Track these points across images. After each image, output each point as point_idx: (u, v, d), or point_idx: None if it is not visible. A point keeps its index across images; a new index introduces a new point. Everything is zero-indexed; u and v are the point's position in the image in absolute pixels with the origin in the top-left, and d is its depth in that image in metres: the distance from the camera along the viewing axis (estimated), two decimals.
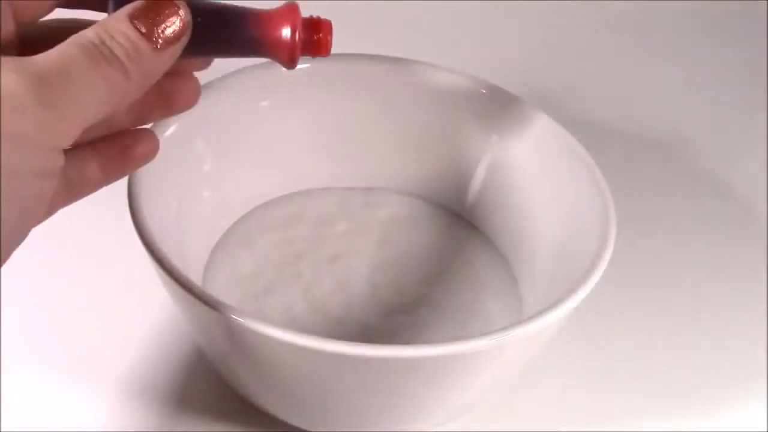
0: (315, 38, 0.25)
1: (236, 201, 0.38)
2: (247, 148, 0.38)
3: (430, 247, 0.38)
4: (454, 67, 0.38)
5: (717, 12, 0.65)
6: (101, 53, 0.20)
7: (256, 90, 0.37)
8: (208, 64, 0.26)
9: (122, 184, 0.30)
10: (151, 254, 0.27)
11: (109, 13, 0.22)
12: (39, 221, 0.20)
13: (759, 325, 0.41)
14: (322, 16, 0.26)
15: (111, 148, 0.25)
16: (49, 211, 0.23)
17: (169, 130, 0.33)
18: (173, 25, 0.22)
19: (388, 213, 0.40)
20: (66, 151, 0.20)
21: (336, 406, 0.30)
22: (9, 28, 0.21)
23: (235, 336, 0.27)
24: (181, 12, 0.22)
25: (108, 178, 0.25)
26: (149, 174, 0.31)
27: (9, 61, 0.18)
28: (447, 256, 0.38)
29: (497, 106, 0.37)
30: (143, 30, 0.21)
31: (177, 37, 0.22)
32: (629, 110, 0.55)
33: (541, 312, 0.27)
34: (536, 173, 0.37)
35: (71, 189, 0.24)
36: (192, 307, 0.27)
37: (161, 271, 0.27)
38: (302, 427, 0.32)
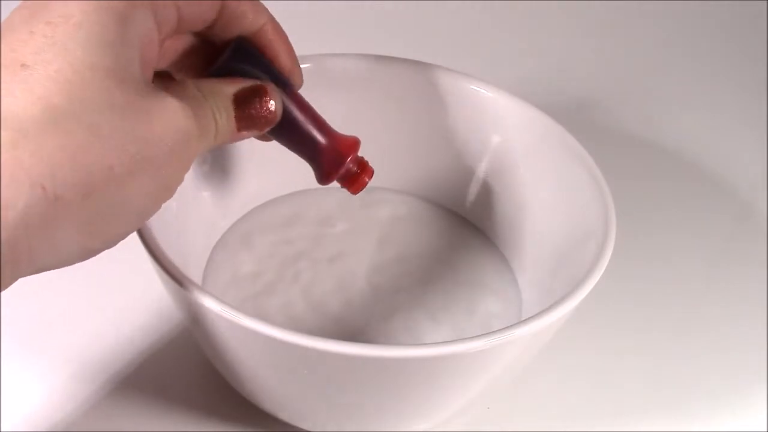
0: (356, 177, 0.30)
1: (236, 201, 0.38)
2: (247, 148, 0.38)
3: (430, 247, 0.38)
4: (454, 67, 0.38)
5: (717, 12, 0.65)
6: (212, 113, 0.24)
7: None
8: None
9: None
10: (151, 254, 0.27)
11: (225, 58, 0.26)
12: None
13: (759, 324, 0.41)
14: (368, 162, 0.30)
15: None
16: None
17: None
18: (262, 120, 0.26)
19: (388, 213, 0.40)
20: None
21: (335, 405, 0.30)
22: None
23: (235, 336, 0.27)
24: (275, 114, 0.26)
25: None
26: None
27: (180, 107, 0.23)
28: (447, 256, 0.38)
29: (498, 106, 0.37)
30: (236, 110, 0.25)
31: (257, 128, 0.26)
32: (629, 110, 0.55)
33: (541, 312, 0.27)
34: (537, 173, 0.37)
35: None
36: (192, 306, 0.27)
37: (161, 271, 0.27)
38: (302, 427, 0.32)
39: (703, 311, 0.42)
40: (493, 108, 0.37)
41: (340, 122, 0.39)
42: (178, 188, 0.35)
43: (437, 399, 0.30)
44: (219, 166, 0.37)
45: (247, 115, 0.25)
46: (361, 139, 0.35)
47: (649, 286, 0.42)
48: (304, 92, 0.38)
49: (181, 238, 0.33)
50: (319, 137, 0.29)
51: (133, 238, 0.28)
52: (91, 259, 0.35)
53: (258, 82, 0.26)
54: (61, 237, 0.20)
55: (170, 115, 0.22)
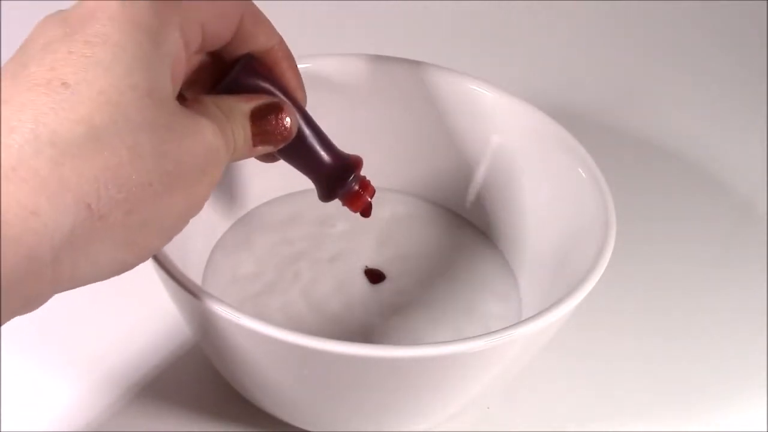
0: (358, 195, 0.30)
1: (236, 201, 0.38)
2: None
3: (430, 247, 0.38)
4: (454, 67, 0.38)
5: (717, 12, 0.65)
6: (231, 129, 0.25)
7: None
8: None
9: None
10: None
11: (234, 75, 0.26)
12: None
13: (759, 325, 0.41)
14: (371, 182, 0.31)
15: None
16: None
17: None
18: (278, 137, 0.26)
19: (388, 213, 0.40)
20: None
21: (336, 406, 0.30)
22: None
23: (235, 336, 0.27)
24: (290, 130, 0.27)
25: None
26: None
27: (210, 125, 0.23)
28: (447, 256, 0.38)
29: (497, 106, 0.37)
30: (254, 129, 0.26)
31: (272, 144, 0.26)
32: (629, 110, 0.55)
33: (541, 312, 0.27)
34: (536, 173, 0.37)
35: None
36: (192, 307, 0.27)
37: (161, 271, 0.27)
38: (302, 427, 0.32)
39: (703, 311, 0.42)
40: (493, 108, 0.37)
41: (340, 122, 0.39)
42: None
43: (437, 399, 0.30)
44: None
45: (263, 131, 0.26)
46: (360, 139, 0.35)
47: (649, 286, 0.42)
48: None
49: (181, 239, 0.33)
50: (324, 155, 0.29)
51: None
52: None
53: (274, 99, 0.27)
54: (101, 253, 0.21)
55: (203, 134, 0.23)
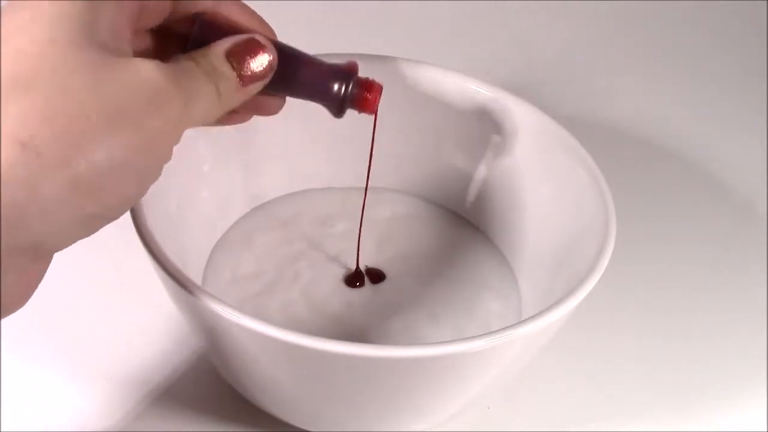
0: (366, 97, 0.29)
1: (236, 201, 0.38)
2: (247, 148, 0.38)
3: (430, 247, 0.38)
4: (454, 67, 0.38)
5: (717, 12, 0.65)
6: (206, 74, 0.25)
7: None
8: (281, 106, 0.30)
9: None
10: (151, 254, 0.27)
11: (193, 33, 0.26)
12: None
13: (759, 325, 0.41)
14: (375, 79, 0.30)
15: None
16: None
17: None
18: (260, 67, 0.26)
19: (388, 213, 0.40)
20: None
21: (336, 406, 0.30)
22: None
23: (235, 336, 0.27)
24: (270, 58, 0.26)
25: (229, 122, 0.29)
26: None
27: (148, 61, 0.23)
28: (447, 256, 0.38)
29: (497, 106, 0.37)
30: (235, 66, 0.25)
31: (260, 78, 0.26)
32: (629, 110, 0.55)
33: (541, 312, 0.27)
34: (536, 173, 0.37)
35: None
36: (192, 306, 0.27)
37: (161, 271, 0.27)
38: (302, 427, 0.32)
39: (703, 311, 0.42)
40: (493, 108, 0.37)
41: (340, 122, 0.39)
42: (178, 188, 0.35)
43: (437, 399, 0.30)
44: (219, 167, 0.37)
45: (247, 68, 0.26)
46: (360, 139, 0.35)
47: (649, 286, 0.42)
48: None
49: (181, 238, 0.33)
50: (316, 73, 0.29)
51: (133, 236, 0.28)
52: (92, 261, 0.34)
53: (246, 35, 0.26)
54: (50, 195, 0.20)
55: (138, 68, 0.22)
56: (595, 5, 0.64)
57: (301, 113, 0.38)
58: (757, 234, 0.47)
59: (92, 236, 0.34)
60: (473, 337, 0.26)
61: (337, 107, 0.29)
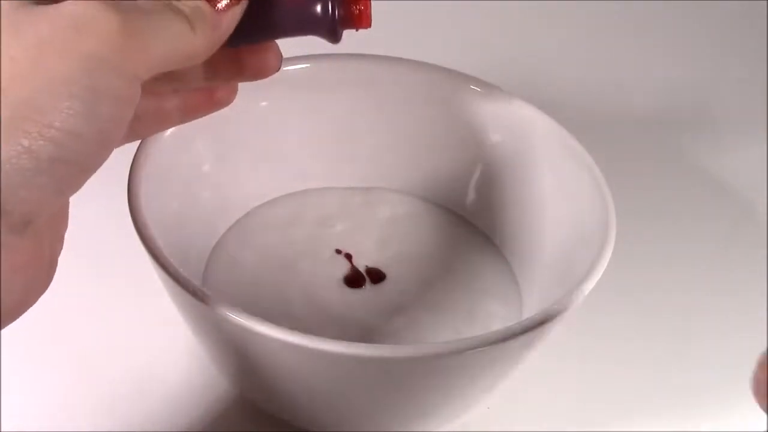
0: (355, 11, 0.26)
1: (236, 201, 0.38)
2: (247, 148, 0.38)
3: (429, 247, 0.38)
4: (454, 66, 0.38)
5: (717, 12, 0.65)
6: (171, 5, 0.22)
7: (255, 90, 0.36)
8: (277, 68, 0.28)
9: (122, 183, 0.30)
10: (151, 254, 0.27)
11: None
12: (115, 145, 0.21)
13: (759, 325, 0.41)
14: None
15: (191, 91, 0.27)
16: (124, 140, 0.25)
17: (169, 131, 0.33)
18: None
19: (388, 213, 0.40)
20: (149, 85, 0.22)
21: (336, 406, 0.30)
22: None
23: (235, 336, 0.27)
24: None
25: (185, 118, 0.27)
26: (149, 174, 0.31)
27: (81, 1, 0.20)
28: (447, 256, 0.38)
29: (497, 105, 0.37)
30: None
31: (236, 1, 0.24)
32: (629, 110, 0.55)
33: (541, 312, 0.27)
34: (536, 173, 0.37)
35: (148, 121, 0.26)
36: (192, 306, 0.27)
37: (161, 271, 0.27)
38: (302, 427, 0.32)
39: (703, 311, 0.42)
40: (493, 107, 0.37)
41: (340, 123, 0.39)
42: (178, 188, 0.35)
43: (438, 399, 0.30)
44: (219, 166, 0.37)
45: None
46: (361, 139, 0.35)
47: (649, 287, 0.42)
48: (303, 92, 0.38)
49: (181, 238, 0.33)
50: (294, 2, 0.26)
51: (133, 237, 0.28)
52: (92, 261, 0.34)
53: None
54: None
55: (64, 5, 0.21)
56: (596, 5, 0.64)
57: (300, 113, 0.38)
58: (757, 234, 0.47)
59: (92, 236, 0.34)
60: (473, 337, 0.26)
61: (330, 31, 0.27)
